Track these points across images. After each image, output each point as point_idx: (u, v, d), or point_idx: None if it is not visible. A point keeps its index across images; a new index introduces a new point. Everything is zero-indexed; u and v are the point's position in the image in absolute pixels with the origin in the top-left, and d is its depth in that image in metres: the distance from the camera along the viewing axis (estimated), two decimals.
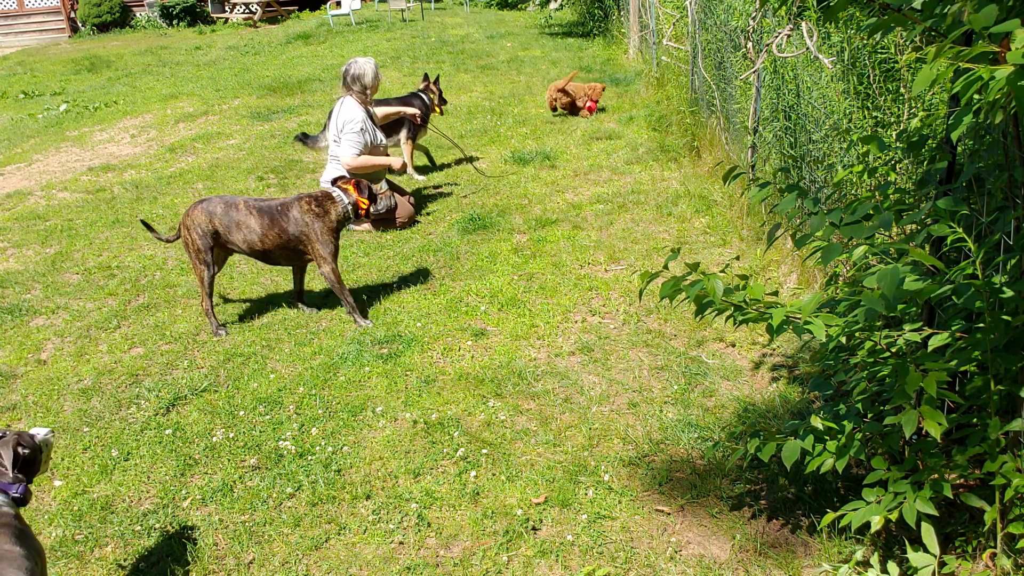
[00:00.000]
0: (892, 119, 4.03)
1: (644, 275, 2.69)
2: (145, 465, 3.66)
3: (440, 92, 7.84)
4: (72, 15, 21.68)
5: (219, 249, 4.84)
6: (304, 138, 7.24)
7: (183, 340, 4.77)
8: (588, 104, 9.16)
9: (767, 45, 4.53)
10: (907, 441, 2.67)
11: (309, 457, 3.62)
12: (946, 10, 2.15)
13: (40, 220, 7.01)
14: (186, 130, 9.99)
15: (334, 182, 4.95)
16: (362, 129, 6.03)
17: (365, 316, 4.85)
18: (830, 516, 2.64)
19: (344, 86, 6.22)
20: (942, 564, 2.52)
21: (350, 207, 4.82)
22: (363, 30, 17.63)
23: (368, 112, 6.22)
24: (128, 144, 9.65)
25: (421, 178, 7.49)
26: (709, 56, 7.14)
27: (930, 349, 2.44)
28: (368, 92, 6.19)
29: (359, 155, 6.07)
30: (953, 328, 2.44)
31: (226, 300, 5.27)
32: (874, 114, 4.11)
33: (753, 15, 5.11)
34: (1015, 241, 2.38)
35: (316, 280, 5.51)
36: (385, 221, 6.22)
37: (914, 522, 2.37)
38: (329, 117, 6.46)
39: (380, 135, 6.31)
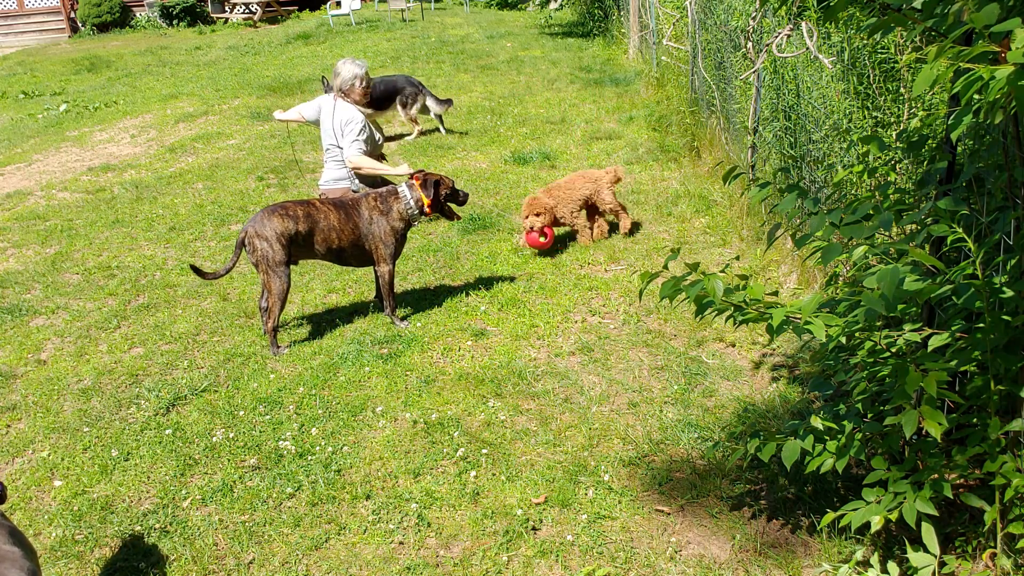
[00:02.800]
0: (892, 119, 4.03)
1: (644, 275, 2.69)
2: (145, 465, 3.66)
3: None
4: (72, 15, 21.68)
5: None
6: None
7: (183, 340, 4.77)
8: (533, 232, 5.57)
9: (767, 45, 4.53)
10: (907, 441, 2.67)
11: (309, 457, 3.62)
12: (947, 10, 2.15)
13: (40, 220, 7.01)
14: (186, 130, 9.99)
15: (410, 178, 4.82)
16: (363, 127, 5.95)
17: (404, 319, 4.79)
18: (830, 516, 2.64)
19: None
20: (942, 564, 2.52)
21: (414, 204, 4.68)
22: (363, 30, 17.63)
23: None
24: (128, 144, 9.65)
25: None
26: (709, 56, 7.14)
27: (930, 349, 2.44)
28: (344, 92, 6.08)
29: (364, 153, 5.96)
30: (953, 328, 2.44)
31: (225, 300, 5.27)
32: (874, 114, 4.11)
33: (753, 15, 5.11)
34: (1015, 241, 2.38)
35: (316, 280, 5.50)
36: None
37: (914, 522, 2.37)
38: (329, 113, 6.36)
39: (379, 135, 6.28)
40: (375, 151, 6.22)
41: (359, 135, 5.89)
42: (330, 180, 6.21)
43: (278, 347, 4.57)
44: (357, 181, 6.06)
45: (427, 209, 4.71)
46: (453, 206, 5.04)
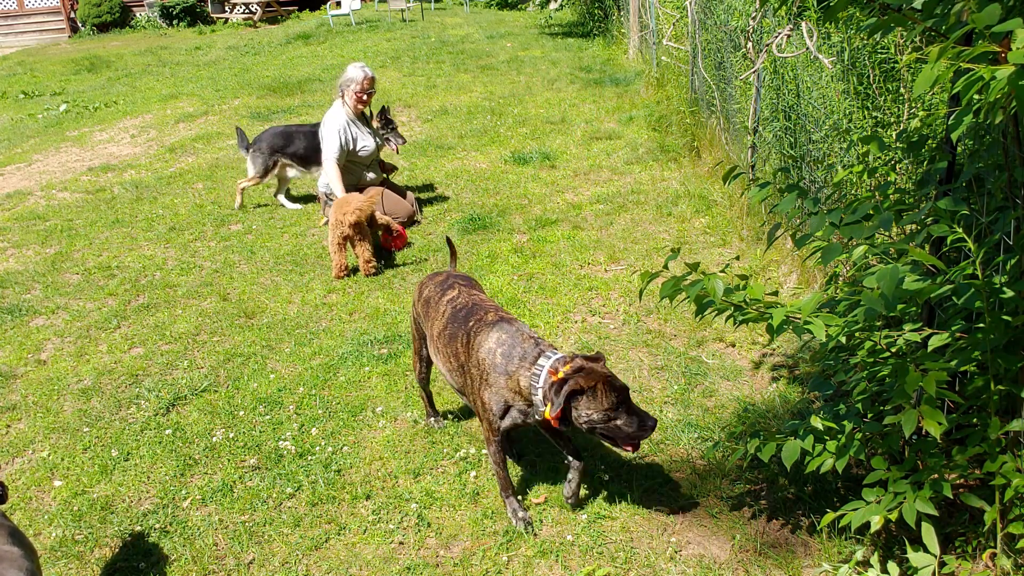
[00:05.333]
0: (892, 119, 4.03)
1: (644, 275, 2.69)
2: (145, 465, 3.66)
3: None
4: (72, 15, 21.67)
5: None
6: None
7: (183, 340, 4.77)
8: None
9: (767, 45, 4.53)
10: (907, 441, 2.67)
11: (309, 457, 3.62)
12: (947, 10, 2.14)
13: (40, 220, 7.01)
14: (186, 130, 9.99)
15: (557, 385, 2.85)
16: (337, 134, 6.04)
17: (522, 506, 3.19)
18: (830, 516, 2.64)
19: None
20: (942, 564, 2.52)
21: (541, 395, 2.87)
22: (363, 30, 17.63)
23: (356, 117, 6.21)
24: (128, 144, 9.65)
25: (295, 206, 7.00)
26: (709, 56, 7.13)
27: (930, 349, 2.44)
28: (340, 90, 6.23)
29: (336, 159, 6.03)
30: (953, 328, 2.44)
31: (225, 299, 5.26)
32: (874, 114, 4.11)
33: (753, 15, 5.11)
34: (1015, 241, 2.38)
35: (316, 280, 5.50)
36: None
37: (914, 522, 2.37)
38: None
39: (365, 142, 6.24)
40: (363, 158, 6.23)
41: (331, 140, 5.98)
42: (325, 184, 6.28)
43: (435, 418, 3.78)
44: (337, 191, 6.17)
45: (549, 419, 2.87)
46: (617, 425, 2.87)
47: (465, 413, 3.86)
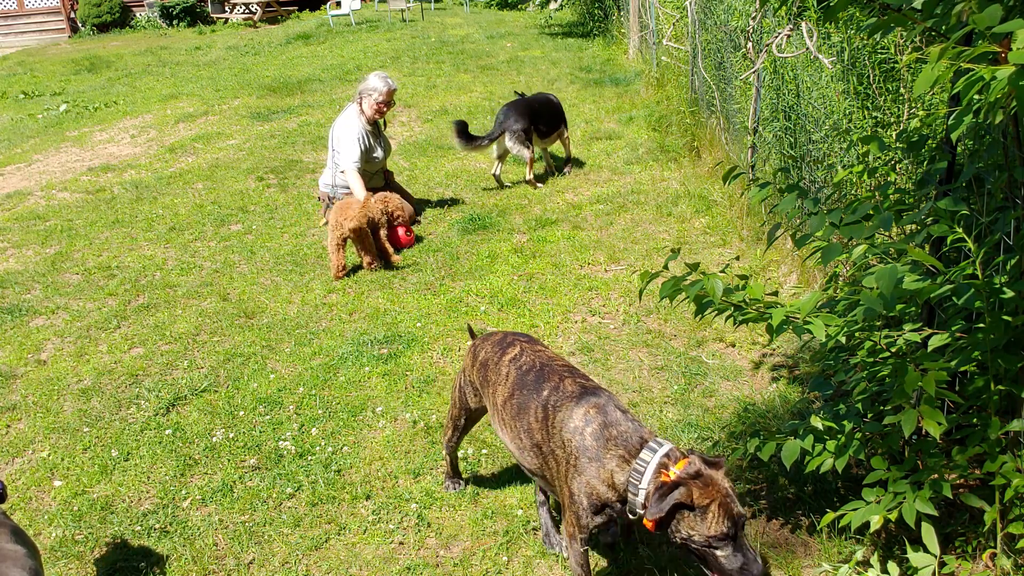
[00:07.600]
0: (892, 119, 4.03)
1: (644, 275, 2.69)
2: (145, 465, 3.66)
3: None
4: (72, 15, 21.67)
5: (478, 411, 3.11)
6: (467, 136, 6.88)
7: (183, 340, 4.77)
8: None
9: (767, 45, 4.53)
10: (907, 441, 2.67)
11: (309, 457, 3.62)
12: (947, 10, 2.14)
13: (40, 220, 7.01)
14: (186, 130, 9.99)
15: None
16: (357, 140, 6.04)
17: None
18: (830, 516, 2.64)
19: None
20: (942, 564, 2.52)
21: (641, 495, 2.35)
22: (363, 30, 17.63)
23: (369, 124, 6.21)
24: (128, 144, 9.65)
25: (540, 185, 7.16)
26: (709, 56, 7.13)
27: (930, 349, 2.44)
28: (359, 96, 6.20)
29: (359, 166, 6.02)
30: (953, 328, 2.44)
31: (225, 299, 5.26)
32: (874, 114, 4.11)
33: (753, 15, 5.11)
34: (1015, 241, 2.38)
35: (316, 280, 5.50)
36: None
37: (914, 522, 2.37)
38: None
39: (377, 151, 6.27)
40: (372, 166, 6.25)
41: (352, 147, 5.97)
42: (327, 185, 6.30)
43: (453, 480, 3.38)
44: (342, 191, 6.16)
45: (648, 523, 2.35)
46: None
47: None
